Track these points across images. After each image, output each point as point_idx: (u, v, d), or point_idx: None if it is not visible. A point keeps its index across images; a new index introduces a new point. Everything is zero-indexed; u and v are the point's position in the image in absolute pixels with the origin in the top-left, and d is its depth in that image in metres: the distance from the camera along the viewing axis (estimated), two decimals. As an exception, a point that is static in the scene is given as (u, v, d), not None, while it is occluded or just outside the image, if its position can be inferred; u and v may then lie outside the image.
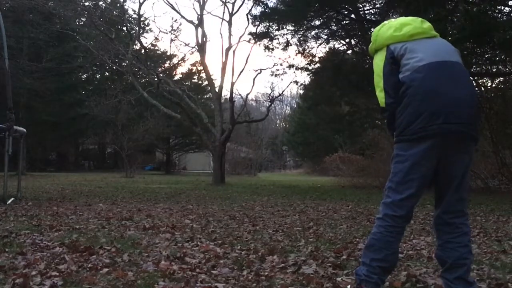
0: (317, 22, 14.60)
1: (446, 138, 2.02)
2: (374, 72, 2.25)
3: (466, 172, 2.11)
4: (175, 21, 41.95)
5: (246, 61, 26.48)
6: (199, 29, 16.92)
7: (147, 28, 28.08)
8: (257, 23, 15.55)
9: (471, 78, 2.11)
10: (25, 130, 8.05)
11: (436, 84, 2.04)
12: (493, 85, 15.21)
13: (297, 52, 15.76)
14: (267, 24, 14.99)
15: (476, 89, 15.35)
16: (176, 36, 31.82)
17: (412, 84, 2.06)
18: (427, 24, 2.25)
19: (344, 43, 16.21)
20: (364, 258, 2.14)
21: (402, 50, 2.15)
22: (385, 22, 2.34)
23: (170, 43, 40.12)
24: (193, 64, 30.74)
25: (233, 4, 16.96)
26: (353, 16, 14.25)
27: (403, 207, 2.09)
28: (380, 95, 2.19)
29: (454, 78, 2.07)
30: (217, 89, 16.92)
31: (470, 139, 2.08)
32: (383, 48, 2.23)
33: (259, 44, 15.65)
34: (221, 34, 18.13)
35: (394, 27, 2.23)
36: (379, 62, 2.22)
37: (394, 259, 2.14)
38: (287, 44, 15.27)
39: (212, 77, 18.60)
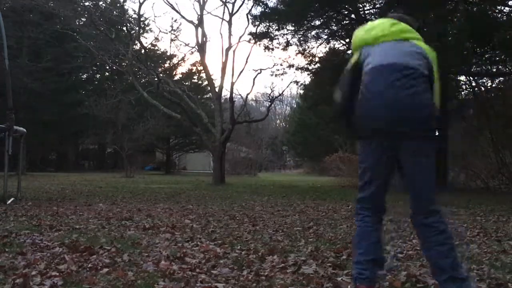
0: (317, 22, 14.60)
1: (387, 137, 2.12)
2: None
3: (424, 173, 2.11)
4: (175, 21, 41.91)
5: (246, 61, 26.52)
6: (199, 29, 16.93)
7: (147, 28, 28.12)
8: (257, 23, 15.55)
9: (425, 81, 2.12)
10: (25, 130, 8.05)
11: (377, 87, 2.13)
12: (493, 85, 15.23)
13: (297, 52, 15.77)
14: (267, 24, 14.98)
15: (476, 89, 15.36)
16: (176, 36, 31.79)
17: (362, 87, 2.19)
18: (397, 27, 2.26)
19: (344, 43, 16.20)
20: (354, 256, 2.21)
21: (365, 54, 2.25)
22: (365, 25, 2.39)
23: (170, 43, 40.19)
24: (193, 64, 30.75)
25: (233, 4, 16.97)
26: (353, 16, 14.24)
27: (369, 201, 2.22)
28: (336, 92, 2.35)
29: (396, 81, 2.09)
30: (217, 89, 16.92)
31: (418, 139, 2.09)
32: (357, 50, 2.32)
33: (259, 44, 15.65)
34: (221, 34, 18.15)
35: (365, 29, 2.32)
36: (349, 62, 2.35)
37: (378, 249, 2.17)
38: (287, 44, 15.26)
39: (212, 77, 18.60)
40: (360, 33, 2.34)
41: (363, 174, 2.23)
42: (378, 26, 2.29)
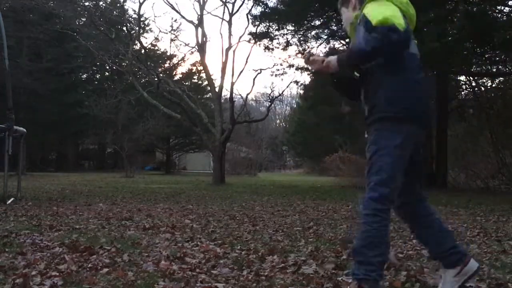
0: (317, 22, 14.61)
1: (425, 123, 2.18)
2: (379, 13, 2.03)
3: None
4: (175, 21, 41.92)
5: (246, 61, 26.49)
6: (199, 29, 16.93)
7: (147, 28, 28.14)
8: (257, 23, 15.56)
9: None
10: (25, 130, 8.05)
11: (420, 74, 2.18)
12: (493, 85, 15.24)
13: (297, 52, 15.79)
14: (267, 24, 15.00)
15: (476, 89, 15.37)
16: (176, 36, 31.82)
17: (410, 66, 2.12)
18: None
19: (344, 43, 16.20)
20: (360, 257, 2.07)
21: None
22: None
23: (170, 43, 40.20)
24: (193, 64, 30.76)
25: (233, 4, 16.97)
26: (353, 16, 14.23)
27: (392, 199, 2.14)
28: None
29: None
30: (217, 89, 16.92)
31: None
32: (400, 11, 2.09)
33: (259, 44, 15.66)
34: (221, 34, 18.13)
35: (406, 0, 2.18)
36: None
37: (388, 251, 2.21)
38: (287, 44, 15.28)
39: (212, 77, 18.61)
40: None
41: (392, 165, 2.06)
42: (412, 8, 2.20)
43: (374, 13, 2.02)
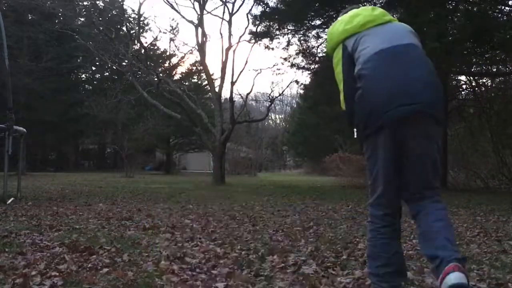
0: (318, 22, 14.60)
1: (402, 122, 1.90)
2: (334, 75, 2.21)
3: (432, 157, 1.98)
4: (173, 19, 41.95)
5: (246, 61, 26.55)
6: (199, 29, 16.93)
7: (146, 28, 28.14)
8: (257, 22, 15.55)
9: (429, 60, 2.04)
10: (25, 130, 8.05)
11: (386, 71, 1.96)
12: (493, 85, 15.23)
13: (297, 51, 15.78)
14: (268, 23, 14.99)
15: (476, 89, 15.36)
16: (175, 36, 31.81)
17: (363, 76, 2.00)
18: (378, 11, 2.19)
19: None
20: (368, 267, 2.06)
21: (356, 44, 2.10)
22: (339, 18, 2.29)
23: (170, 42, 40.20)
24: (193, 64, 30.74)
25: (233, 4, 16.97)
26: (353, 16, 14.23)
27: (383, 205, 2.02)
28: (342, 98, 2.18)
29: (406, 61, 1.99)
30: (217, 89, 16.92)
31: (431, 119, 1.95)
32: (338, 46, 2.17)
33: (260, 44, 15.67)
34: (221, 34, 18.13)
35: (345, 21, 2.19)
36: (337, 63, 2.19)
37: (399, 260, 2.01)
38: (288, 43, 15.29)
39: (212, 77, 18.60)
40: (340, 27, 2.19)
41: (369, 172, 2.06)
42: (360, 14, 2.17)
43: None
